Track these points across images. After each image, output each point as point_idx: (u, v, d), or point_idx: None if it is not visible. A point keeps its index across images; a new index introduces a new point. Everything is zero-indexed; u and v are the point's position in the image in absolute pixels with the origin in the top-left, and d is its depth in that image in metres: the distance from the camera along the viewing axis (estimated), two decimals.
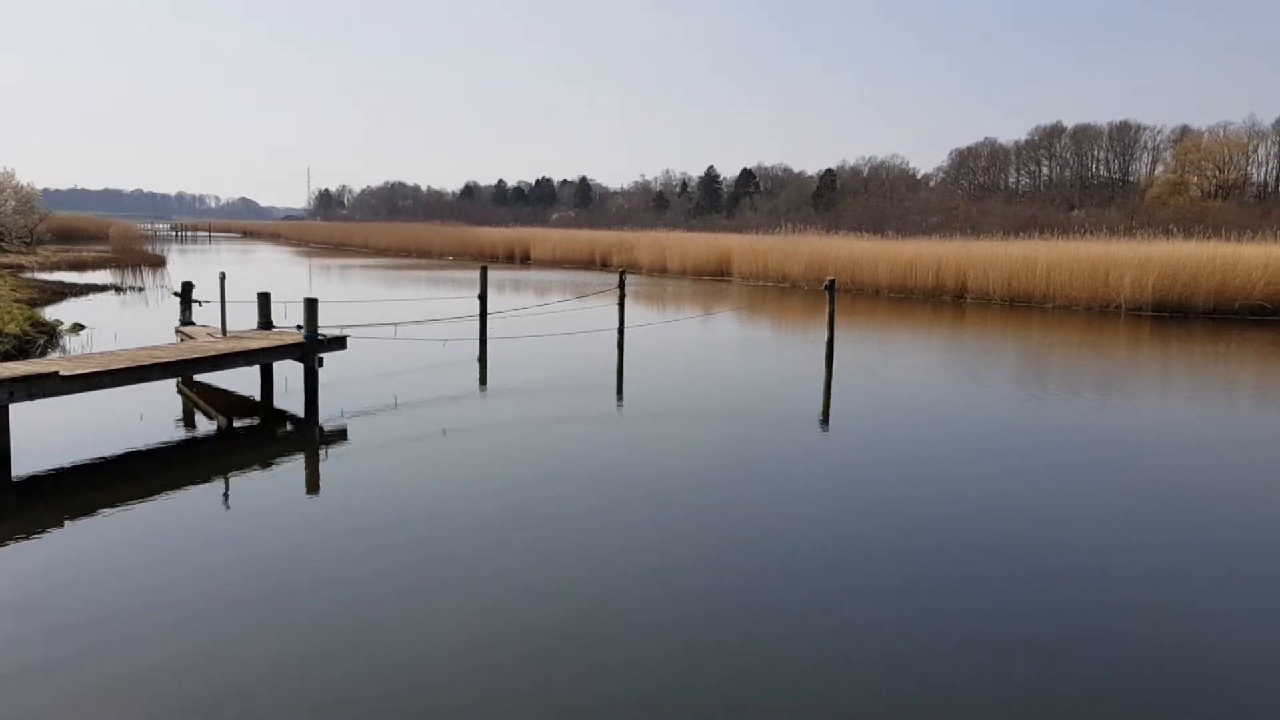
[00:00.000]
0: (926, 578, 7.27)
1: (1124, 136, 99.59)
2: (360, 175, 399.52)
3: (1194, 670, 5.85)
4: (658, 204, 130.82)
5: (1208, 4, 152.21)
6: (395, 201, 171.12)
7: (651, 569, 7.37)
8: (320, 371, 13.17)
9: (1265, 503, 9.62)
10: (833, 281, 19.39)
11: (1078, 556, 7.84)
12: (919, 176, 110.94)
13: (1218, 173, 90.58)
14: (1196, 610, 6.77)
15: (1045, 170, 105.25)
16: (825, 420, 13.38)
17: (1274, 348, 21.63)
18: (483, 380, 16.17)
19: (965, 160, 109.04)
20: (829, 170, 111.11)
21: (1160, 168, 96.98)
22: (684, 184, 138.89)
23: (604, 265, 55.13)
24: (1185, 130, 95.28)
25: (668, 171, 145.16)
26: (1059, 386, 16.88)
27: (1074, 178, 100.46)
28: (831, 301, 19.10)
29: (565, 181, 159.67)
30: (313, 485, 9.74)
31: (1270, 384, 17.37)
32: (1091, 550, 7.98)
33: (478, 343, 19.09)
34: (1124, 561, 7.74)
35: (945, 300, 33.46)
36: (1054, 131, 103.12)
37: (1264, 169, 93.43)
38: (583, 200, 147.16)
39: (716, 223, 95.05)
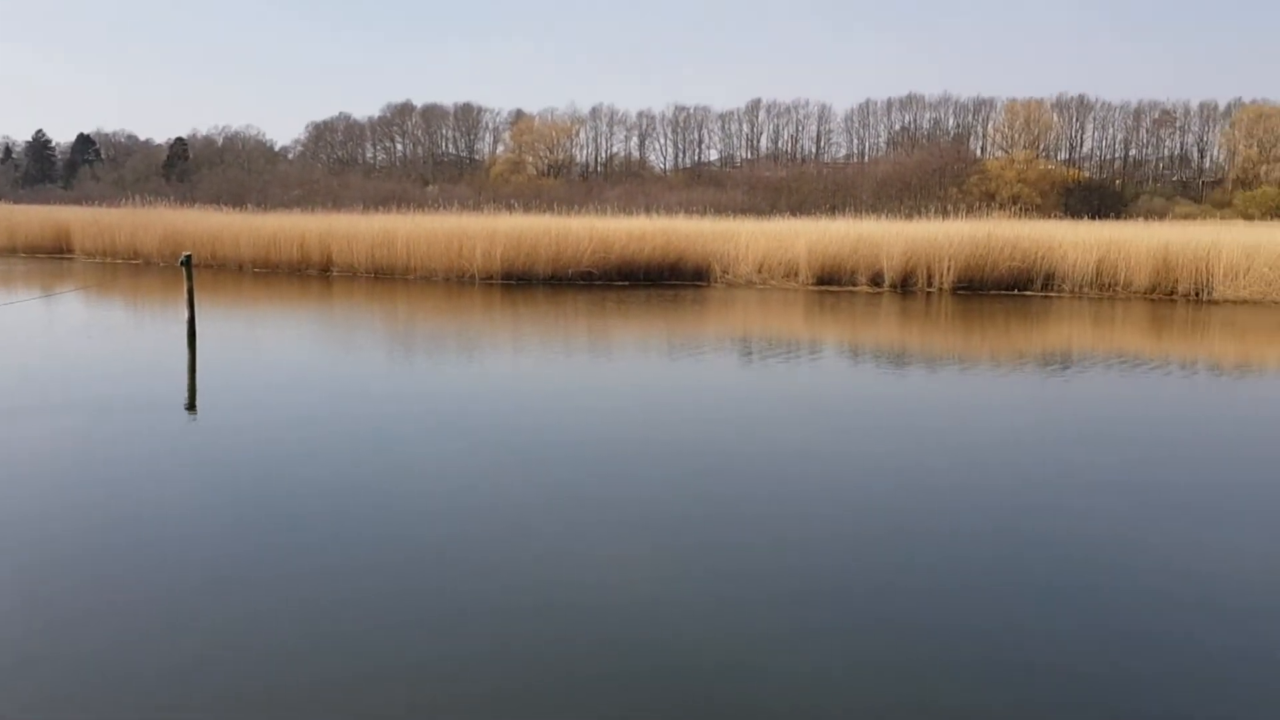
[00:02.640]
0: (316, 554, 7.47)
1: (468, 117, 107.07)
2: None
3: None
4: None
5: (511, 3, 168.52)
6: None
7: None
8: None
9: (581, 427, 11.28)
10: (189, 257, 18.47)
11: (476, 511, 8.57)
12: (277, 149, 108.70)
13: (549, 153, 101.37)
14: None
15: (400, 146, 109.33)
16: (192, 405, 12.84)
17: (599, 306, 25.00)
18: None
19: (322, 134, 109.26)
20: (180, 139, 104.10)
21: (501, 147, 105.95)
22: (8, 149, 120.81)
23: None
24: (520, 114, 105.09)
25: None
26: (428, 352, 17.98)
27: (426, 154, 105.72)
28: (190, 278, 18.18)
29: None
30: None
31: (599, 337, 20.10)
32: (489, 496, 8.78)
33: None
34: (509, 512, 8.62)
35: (311, 274, 33.49)
36: (405, 109, 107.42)
37: (585, 150, 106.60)
38: None
39: (52, 193, 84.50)
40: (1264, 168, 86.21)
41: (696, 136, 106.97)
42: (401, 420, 11.99)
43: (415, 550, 7.38)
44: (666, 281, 31.63)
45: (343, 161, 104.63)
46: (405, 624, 6.08)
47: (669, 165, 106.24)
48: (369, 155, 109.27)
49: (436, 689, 5.34)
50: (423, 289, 29.28)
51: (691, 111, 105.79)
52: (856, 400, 14.09)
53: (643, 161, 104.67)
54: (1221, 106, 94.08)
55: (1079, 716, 5.13)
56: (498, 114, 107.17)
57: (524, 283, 30.74)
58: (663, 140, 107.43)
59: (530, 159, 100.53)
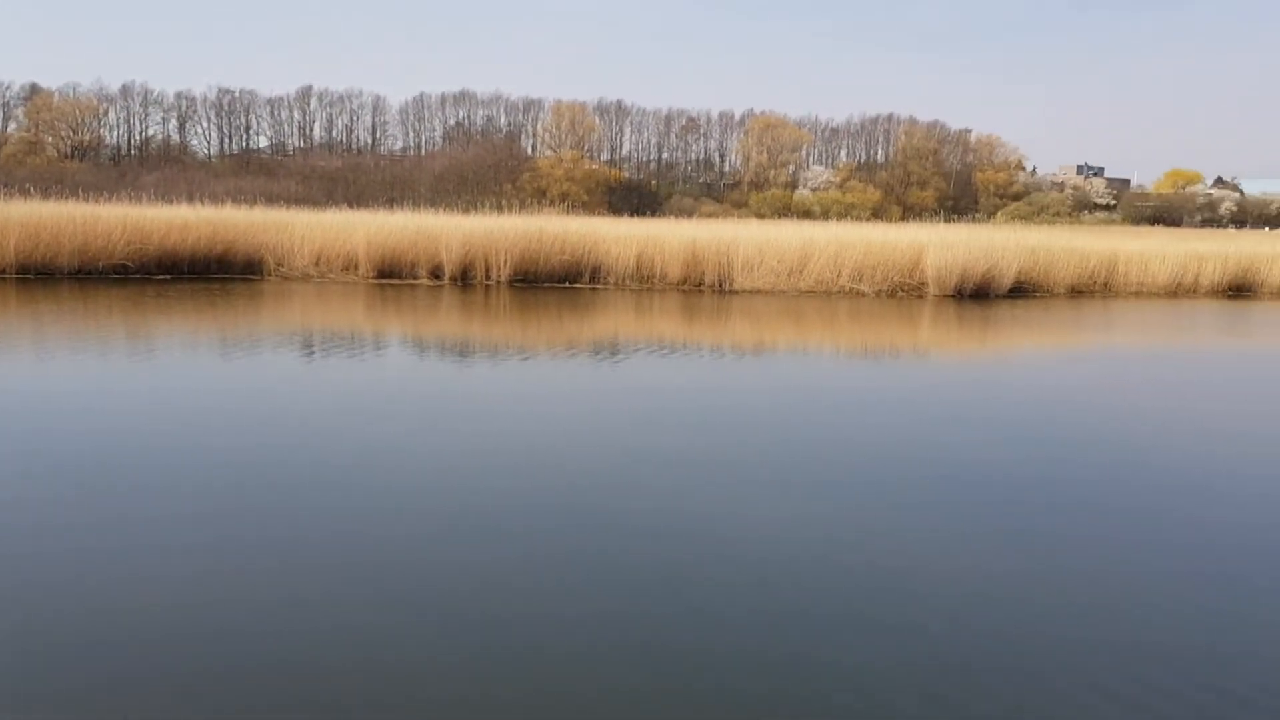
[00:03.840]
0: None
1: None
2: None
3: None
4: None
5: None
6: None
7: None
8: None
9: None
10: None
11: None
12: None
13: (72, 134, 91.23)
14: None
15: None
16: None
17: (136, 302, 23.13)
18: None
19: None
20: None
21: (13, 125, 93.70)
22: None
23: None
24: (35, 88, 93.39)
25: None
26: None
27: None
28: None
29: None
30: None
31: (136, 335, 18.64)
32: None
33: None
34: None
35: None
36: None
37: (116, 132, 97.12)
38: None
39: None
40: (772, 172, 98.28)
41: (244, 122, 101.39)
42: None
43: None
44: (214, 275, 29.86)
45: None
46: None
47: (214, 151, 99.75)
48: None
49: None
50: None
51: (237, 95, 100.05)
52: (418, 393, 14.37)
53: (184, 146, 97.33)
54: (738, 116, 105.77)
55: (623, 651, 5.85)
56: (8, 88, 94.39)
57: (44, 276, 27.58)
58: (206, 124, 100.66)
59: (50, 139, 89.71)
